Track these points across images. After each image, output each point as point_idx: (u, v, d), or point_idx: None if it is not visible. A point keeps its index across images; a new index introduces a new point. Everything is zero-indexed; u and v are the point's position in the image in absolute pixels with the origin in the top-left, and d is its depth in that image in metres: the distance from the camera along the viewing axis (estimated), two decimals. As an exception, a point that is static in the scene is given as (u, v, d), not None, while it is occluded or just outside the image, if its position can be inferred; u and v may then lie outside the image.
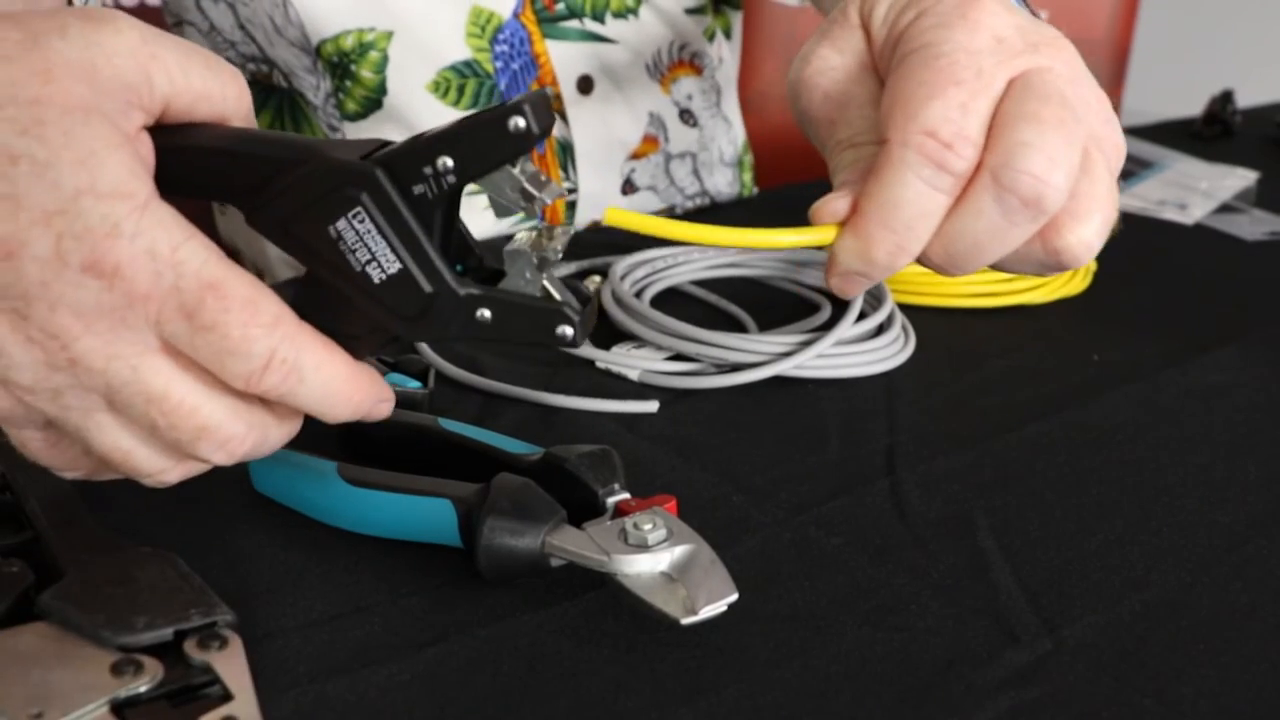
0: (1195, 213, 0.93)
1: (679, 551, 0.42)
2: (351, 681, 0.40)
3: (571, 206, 0.88)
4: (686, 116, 0.93)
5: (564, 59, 0.85)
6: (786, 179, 1.05)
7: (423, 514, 0.45)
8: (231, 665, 0.38)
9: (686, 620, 0.40)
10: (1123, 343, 0.68)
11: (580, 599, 0.44)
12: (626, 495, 0.46)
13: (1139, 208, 0.94)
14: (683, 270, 0.74)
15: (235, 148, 0.40)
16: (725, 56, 0.97)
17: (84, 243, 0.35)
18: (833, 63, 0.48)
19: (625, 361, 0.62)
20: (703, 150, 0.95)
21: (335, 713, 0.39)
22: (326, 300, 0.40)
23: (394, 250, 0.39)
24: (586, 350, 0.63)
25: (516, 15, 0.83)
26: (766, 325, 0.67)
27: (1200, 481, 0.54)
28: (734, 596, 0.41)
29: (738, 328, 0.68)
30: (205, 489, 0.49)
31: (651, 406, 0.59)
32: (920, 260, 0.45)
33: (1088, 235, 0.44)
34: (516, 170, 0.39)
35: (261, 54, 0.83)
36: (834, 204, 0.44)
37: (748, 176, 1.02)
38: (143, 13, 0.83)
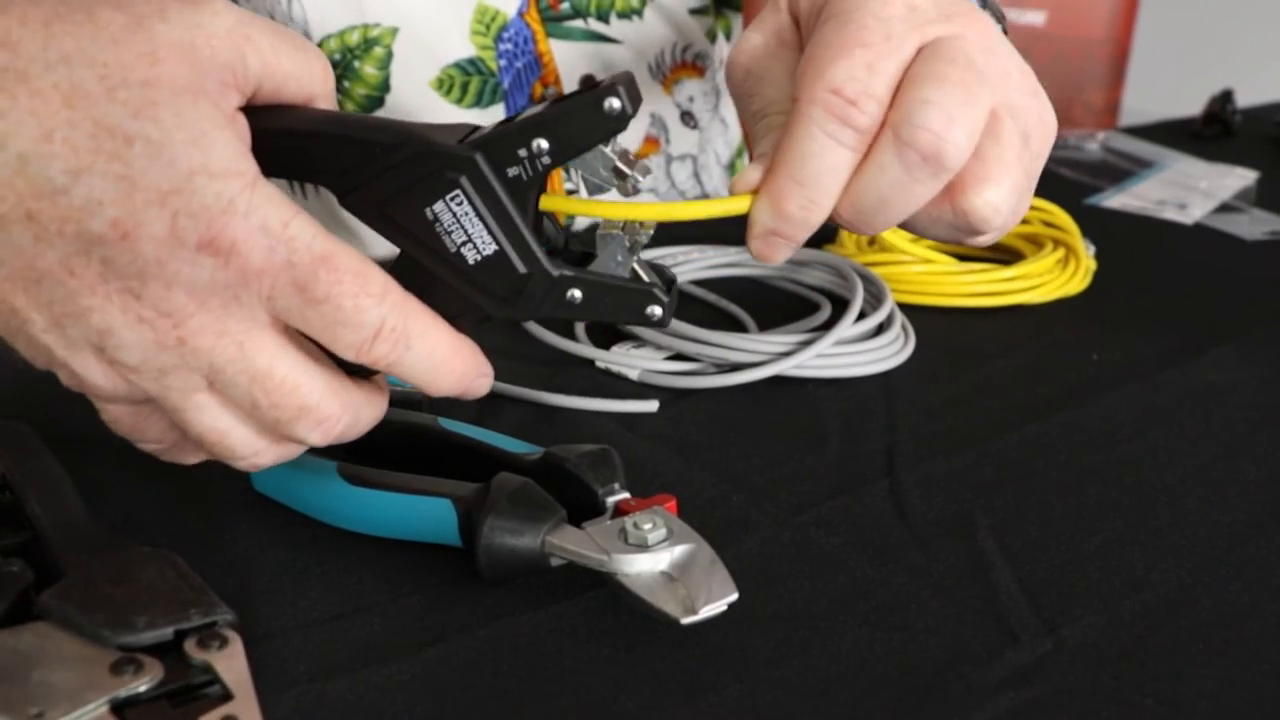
0: (1195, 212, 0.93)
1: (679, 551, 0.42)
2: (351, 681, 0.40)
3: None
4: (687, 118, 0.93)
5: (567, 58, 0.85)
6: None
7: (423, 513, 0.45)
8: (231, 665, 0.38)
9: (686, 620, 0.40)
10: (1123, 343, 0.68)
11: (580, 599, 0.44)
12: (626, 495, 0.46)
13: (1139, 208, 0.94)
14: (682, 270, 0.74)
15: (332, 130, 0.40)
16: (726, 58, 0.97)
17: (199, 221, 0.36)
18: (754, 41, 0.51)
19: (625, 361, 0.62)
20: (701, 152, 0.95)
21: (335, 713, 0.39)
22: (417, 281, 0.40)
23: (490, 232, 0.40)
24: (586, 350, 0.63)
25: (521, 14, 0.83)
26: (766, 325, 0.67)
27: (1200, 481, 0.54)
28: (734, 596, 0.41)
29: (737, 327, 0.68)
30: (205, 489, 0.49)
31: (651, 406, 0.59)
32: (833, 219, 0.46)
33: (995, 198, 0.45)
34: (609, 150, 0.41)
35: None
36: (748, 174, 0.45)
37: None
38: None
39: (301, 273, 0.37)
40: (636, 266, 0.43)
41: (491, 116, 0.83)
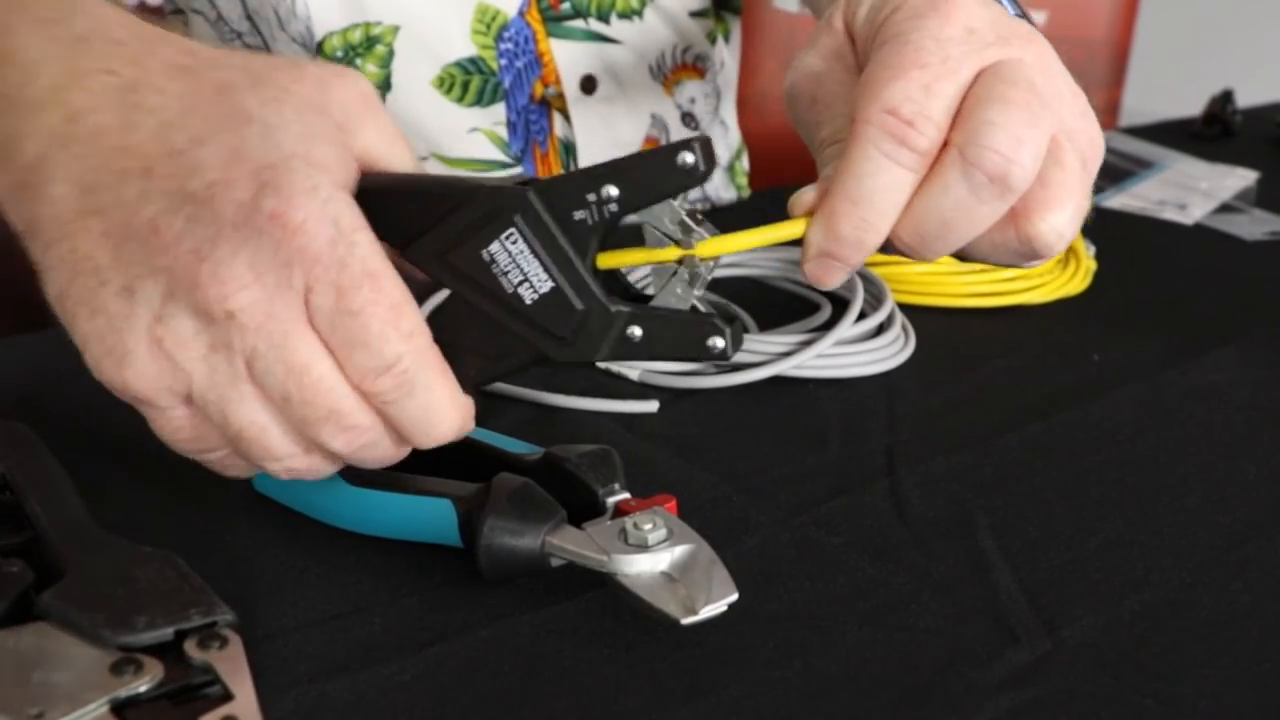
0: (1195, 213, 0.93)
1: (679, 551, 0.42)
2: (351, 681, 0.40)
3: None
4: (689, 119, 0.93)
5: (568, 58, 0.85)
6: (784, 180, 1.05)
7: (423, 514, 0.45)
8: (232, 665, 0.38)
9: (686, 620, 0.40)
10: (1123, 343, 0.68)
11: (580, 599, 0.44)
12: (626, 495, 0.46)
13: (1139, 208, 0.94)
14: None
15: (392, 184, 0.42)
16: (726, 60, 0.97)
17: (281, 194, 0.37)
18: (816, 68, 0.50)
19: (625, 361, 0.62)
20: None
21: (335, 713, 0.39)
22: (473, 323, 0.41)
23: (546, 270, 0.40)
24: (586, 350, 0.63)
25: (522, 14, 0.83)
26: (766, 325, 0.67)
27: (1200, 481, 0.54)
28: (734, 596, 0.41)
29: (738, 328, 0.67)
30: (205, 489, 0.49)
31: (651, 406, 0.59)
32: (891, 242, 0.45)
33: (1060, 223, 0.45)
34: (677, 204, 0.41)
35: (265, 47, 0.83)
36: (804, 196, 0.45)
37: (741, 180, 1.02)
38: (142, 11, 0.83)
39: (348, 278, 0.38)
40: (697, 302, 0.43)
41: (492, 115, 0.83)
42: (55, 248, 0.39)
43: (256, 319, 0.38)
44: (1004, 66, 0.44)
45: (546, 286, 0.40)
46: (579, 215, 0.40)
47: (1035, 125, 0.43)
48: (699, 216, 0.42)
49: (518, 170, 0.85)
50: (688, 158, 0.40)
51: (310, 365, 0.39)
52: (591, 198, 0.40)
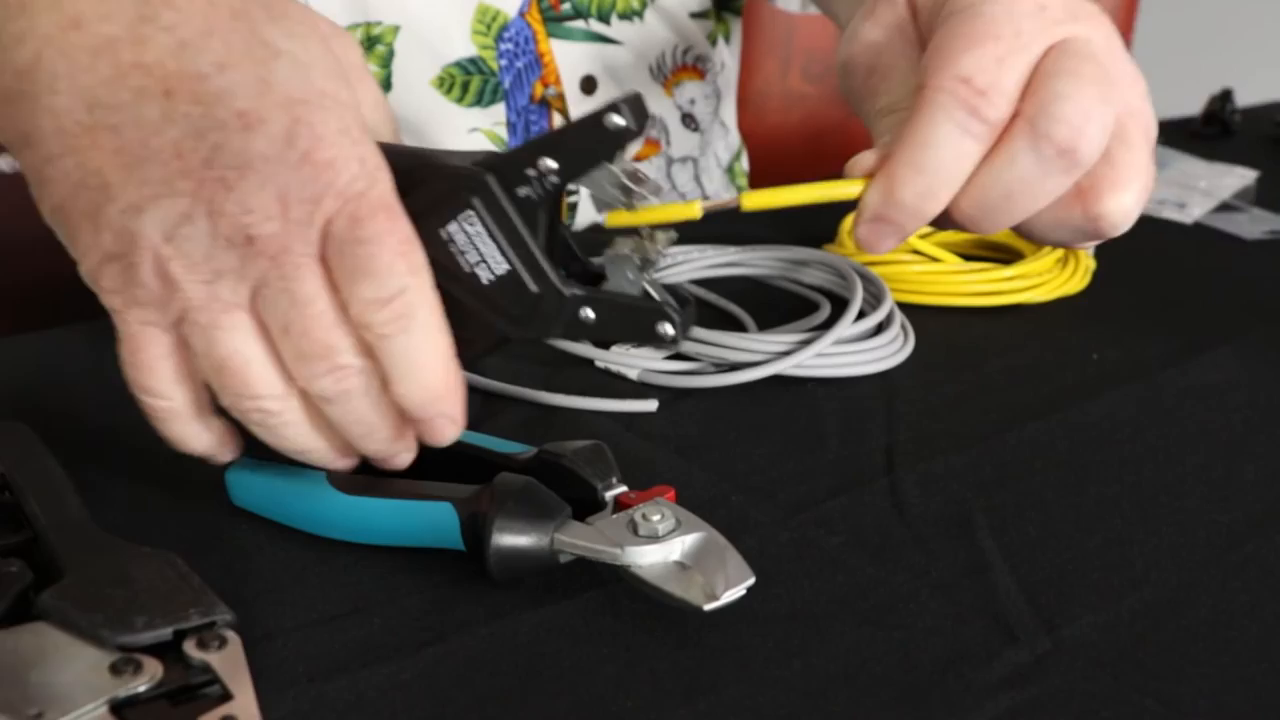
0: (1195, 212, 0.93)
1: (690, 540, 0.42)
2: (351, 681, 0.40)
3: (573, 208, 0.88)
4: (688, 121, 0.93)
5: (568, 59, 0.85)
6: (783, 179, 1.05)
7: (423, 519, 0.45)
8: (231, 665, 0.38)
9: (709, 606, 0.40)
10: (1123, 342, 0.68)
11: (580, 598, 0.44)
12: (625, 488, 0.46)
13: (1139, 207, 0.94)
14: (682, 270, 0.74)
15: (386, 155, 0.41)
16: (727, 61, 0.97)
17: (315, 131, 0.38)
18: (875, 39, 0.50)
19: (624, 360, 0.62)
20: (702, 155, 0.95)
21: (335, 713, 0.39)
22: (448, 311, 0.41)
23: (502, 252, 0.41)
24: (586, 349, 0.63)
25: (522, 14, 0.83)
26: (766, 325, 0.67)
27: (1200, 481, 0.54)
28: (751, 580, 0.41)
29: (737, 327, 0.67)
30: (205, 489, 0.49)
31: (651, 405, 0.59)
32: (949, 214, 0.45)
33: (1128, 203, 0.46)
34: (616, 167, 0.41)
35: None
36: (864, 158, 0.45)
37: (742, 181, 1.02)
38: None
39: (365, 207, 0.38)
40: (649, 286, 0.43)
41: (493, 115, 0.83)
42: (59, 162, 0.38)
43: (273, 249, 0.38)
44: (1074, 43, 0.44)
45: (503, 269, 0.41)
46: (523, 192, 0.41)
47: (1105, 101, 0.43)
48: (641, 176, 0.42)
49: None
50: (617, 119, 0.40)
51: (315, 298, 0.39)
52: (531, 172, 0.41)
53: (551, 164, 0.40)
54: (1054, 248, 0.50)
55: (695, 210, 0.45)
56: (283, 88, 0.38)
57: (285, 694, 0.39)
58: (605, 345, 0.49)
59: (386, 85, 0.81)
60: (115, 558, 0.41)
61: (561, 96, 0.85)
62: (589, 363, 0.63)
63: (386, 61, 0.80)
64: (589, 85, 0.86)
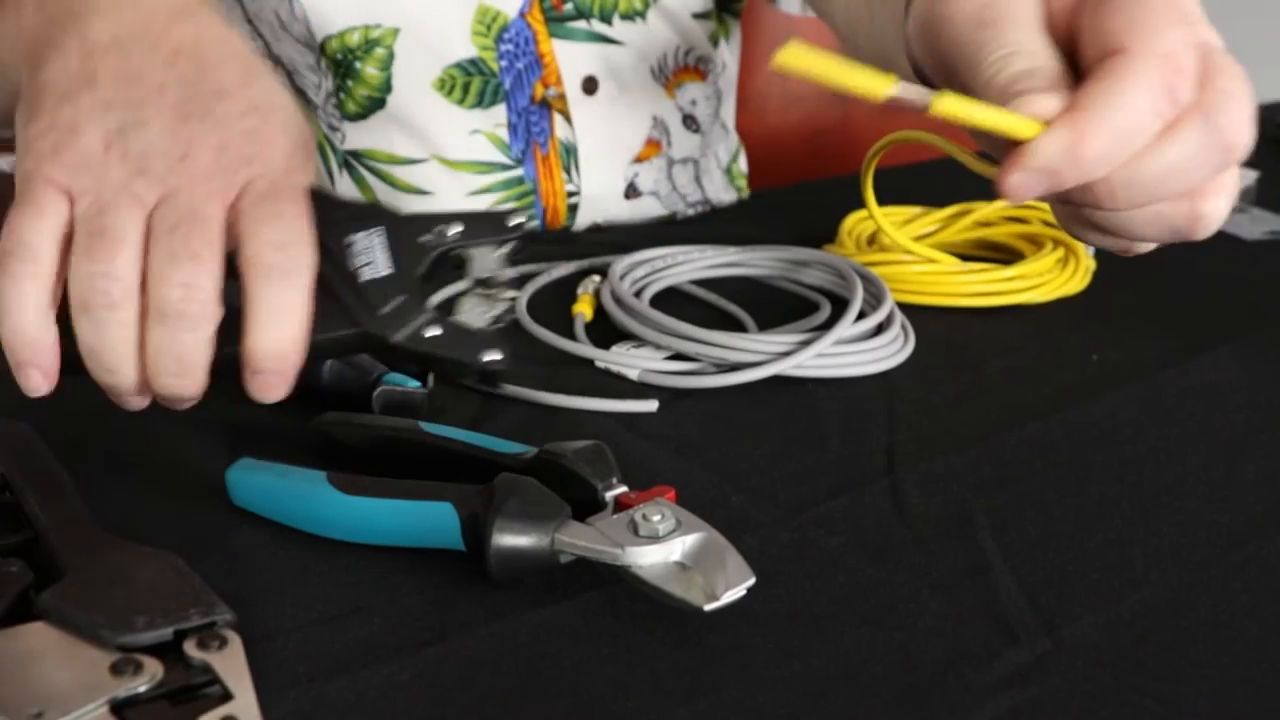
0: (1195, 212, 0.93)
1: (691, 540, 0.42)
2: (351, 681, 0.40)
3: (573, 209, 0.88)
4: (690, 122, 0.93)
5: (570, 59, 0.85)
6: (782, 180, 1.05)
7: (424, 519, 0.45)
8: (231, 665, 0.38)
9: (710, 606, 0.40)
10: (1123, 342, 0.68)
11: (580, 598, 0.44)
12: (625, 488, 0.46)
13: (1139, 207, 0.94)
14: (682, 270, 0.74)
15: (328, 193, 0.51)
16: (728, 61, 0.97)
17: (266, 121, 0.46)
18: None
19: (625, 361, 0.62)
20: (703, 156, 0.95)
21: (335, 713, 0.39)
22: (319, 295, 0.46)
23: (390, 263, 0.49)
24: (586, 350, 0.63)
25: (523, 14, 0.83)
26: (766, 325, 0.67)
27: (1200, 481, 0.54)
28: (751, 580, 0.41)
29: (737, 327, 0.67)
30: (205, 490, 0.49)
31: (651, 406, 0.59)
32: (1092, 184, 0.45)
33: (1224, 207, 0.48)
34: (496, 255, 0.51)
35: (268, 50, 0.83)
36: (1043, 101, 0.44)
37: (740, 182, 1.02)
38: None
39: (284, 184, 0.45)
40: (489, 317, 0.50)
41: (493, 117, 0.83)
42: (66, 60, 0.46)
43: (197, 173, 0.44)
44: (1215, 49, 0.46)
45: (384, 272, 0.48)
46: (424, 238, 0.50)
47: (1252, 105, 0.45)
48: (505, 278, 0.51)
49: (519, 172, 0.85)
50: (518, 219, 0.51)
51: (212, 220, 0.44)
52: (440, 228, 0.50)
53: (459, 228, 0.50)
54: (1118, 248, 0.49)
55: (882, 89, 0.43)
56: (258, 93, 0.47)
57: (286, 694, 0.39)
58: (427, 368, 0.55)
59: (386, 88, 0.81)
60: (115, 558, 0.41)
61: (562, 97, 0.85)
62: (589, 363, 0.63)
63: (386, 64, 0.80)
64: (590, 85, 0.86)
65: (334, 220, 0.48)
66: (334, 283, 0.47)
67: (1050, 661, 0.42)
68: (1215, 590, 0.46)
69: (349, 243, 0.48)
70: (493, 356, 0.48)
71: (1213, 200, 0.47)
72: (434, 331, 0.48)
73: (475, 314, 0.50)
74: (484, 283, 0.51)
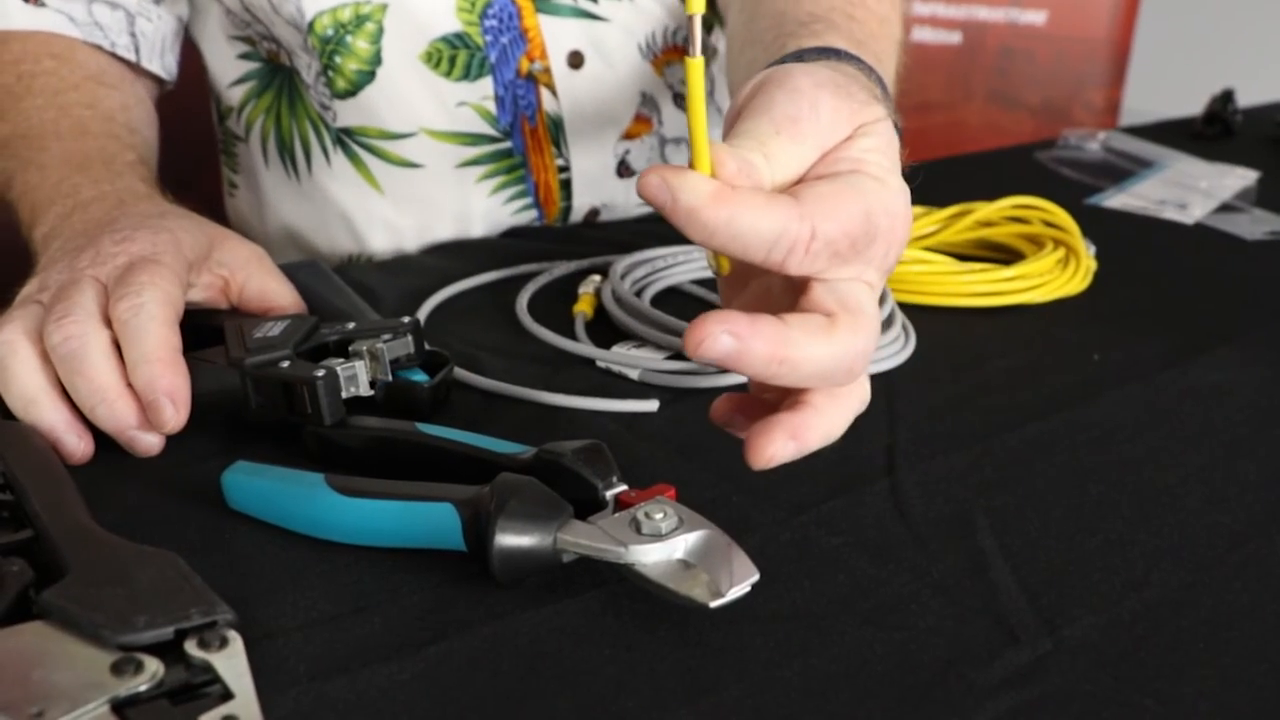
0: (1195, 212, 0.93)
1: (694, 538, 0.42)
2: (351, 681, 0.40)
3: (566, 185, 0.89)
4: (682, 100, 0.93)
5: (554, 33, 0.86)
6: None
7: (424, 520, 0.45)
8: (232, 664, 0.38)
9: (715, 603, 0.40)
10: (1123, 343, 0.68)
11: (580, 598, 0.44)
12: (625, 487, 0.46)
13: (1139, 207, 0.95)
14: (683, 270, 0.74)
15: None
16: (719, 47, 0.97)
17: (135, 237, 0.58)
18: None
19: (625, 361, 0.62)
20: None
21: (335, 712, 0.39)
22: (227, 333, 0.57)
23: (279, 329, 0.56)
24: (586, 349, 0.63)
25: None
26: (766, 325, 0.67)
27: (1200, 481, 0.54)
28: (756, 576, 0.41)
29: (738, 327, 0.67)
30: (205, 490, 0.49)
31: (652, 406, 0.59)
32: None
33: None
34: (384, 346, 0.56)
35: (269, 32, 0.84)
36: (736, 157, 0.42)
37: None
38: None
39: (141, 261, 0.56)
40: (350, 375, 0.54)
41: (480, 90, 0.85)
42: (56, 239, 0.62)
43: (98, 273, 0.56)
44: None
45: (276, 331, 0.56)
46: (325, 330, 0.58)
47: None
48: (377, 381, 0.56)
49: (507, 145, 0.87)
50: (404, 319, 0.58)
51: (87, 291, 0.54)
52: (339, 325, 0.58)
53: (350, 325, 0.58)
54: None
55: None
56: (135, 227, 0.59)
57: (286, 693, 0.39)
58: (289, 409, 0.55)
59: (376, 61, 0.83)
60: (116, 557, 0.41)
61: (548, 70, 0.86)
62: (589, 363, 0.63)
63: (376, 38, 0.82)
64: (576, 60, 0.87)
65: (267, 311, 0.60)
66: (235, 335, 0.56)
67: (1050, 661, 0.42)
68: (1215, 590, 0.46)
69: (270, 321, 0.57)
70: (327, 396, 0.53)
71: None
72: (285, 364, 0.54)
73: (349, 366, 0.54)
74: (373, 355, 0.56)
